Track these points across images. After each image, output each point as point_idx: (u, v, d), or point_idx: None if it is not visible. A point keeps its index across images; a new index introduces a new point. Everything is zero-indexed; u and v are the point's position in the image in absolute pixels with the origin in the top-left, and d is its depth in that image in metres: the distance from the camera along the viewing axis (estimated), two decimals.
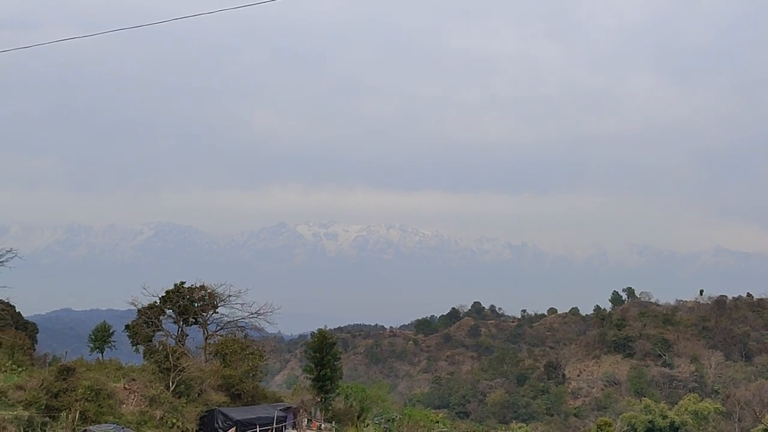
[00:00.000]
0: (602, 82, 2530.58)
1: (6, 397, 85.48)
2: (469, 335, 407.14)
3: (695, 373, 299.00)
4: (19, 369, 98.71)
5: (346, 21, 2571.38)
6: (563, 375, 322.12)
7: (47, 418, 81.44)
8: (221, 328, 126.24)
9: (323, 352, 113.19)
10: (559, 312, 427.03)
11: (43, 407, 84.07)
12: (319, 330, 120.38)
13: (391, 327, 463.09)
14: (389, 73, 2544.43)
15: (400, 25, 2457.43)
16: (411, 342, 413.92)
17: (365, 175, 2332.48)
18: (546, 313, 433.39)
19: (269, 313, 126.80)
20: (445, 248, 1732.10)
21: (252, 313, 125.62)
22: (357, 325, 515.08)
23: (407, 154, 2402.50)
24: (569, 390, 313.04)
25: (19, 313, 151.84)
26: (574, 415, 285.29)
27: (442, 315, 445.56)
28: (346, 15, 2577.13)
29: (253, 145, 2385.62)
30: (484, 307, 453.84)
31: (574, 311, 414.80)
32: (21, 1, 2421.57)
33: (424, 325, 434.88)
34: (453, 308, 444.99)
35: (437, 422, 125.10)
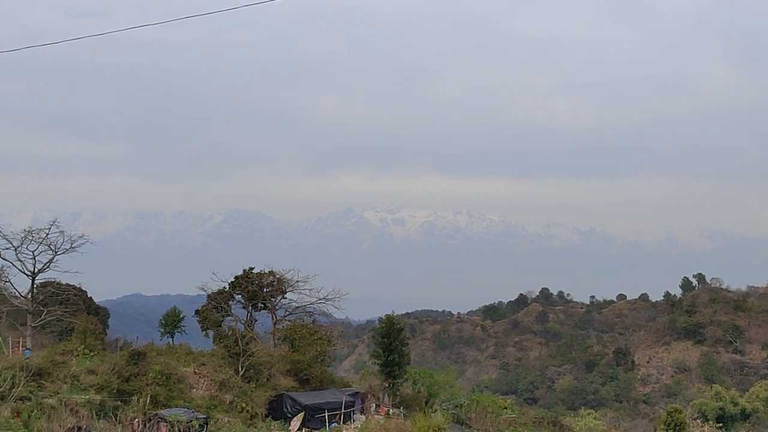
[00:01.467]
0: (671, 66, 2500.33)
1: (78, 382, 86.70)
2: (537, 321, 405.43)
3: (767, 360, 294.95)
4: (91, 353, 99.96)
5: (414, 7, 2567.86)
6: (632, 361, 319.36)
7: (119, 402, 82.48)
8: (290, 314, 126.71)
9: (391, 338, 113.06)
10: (628, 298, 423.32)
11: (114, 391, 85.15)
12: (387, 315, 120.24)
13: (458, 313, 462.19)
14: (456, 59, 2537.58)
15: (468, 10, 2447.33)
16: (479, 328, 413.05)
17: (432, 160, 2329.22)
18: (615, 299, 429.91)
19: (337, 299, 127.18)
20: (512, 234, 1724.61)
21: (320, 299, 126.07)
22: (424, 310, 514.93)
23: (474, 140, 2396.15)
24: (638, 376, 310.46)
25: (90, 298, 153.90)
26: (644, 401, 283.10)
27: (510, 301, 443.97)
28: (415, 1, 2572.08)
29: (321, 132, 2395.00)
30: (552, 293, 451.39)
31: (644, 297, 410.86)
32: None
33: (492, 311, 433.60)
34: (521, 294, 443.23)
35: (505, 408, 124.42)
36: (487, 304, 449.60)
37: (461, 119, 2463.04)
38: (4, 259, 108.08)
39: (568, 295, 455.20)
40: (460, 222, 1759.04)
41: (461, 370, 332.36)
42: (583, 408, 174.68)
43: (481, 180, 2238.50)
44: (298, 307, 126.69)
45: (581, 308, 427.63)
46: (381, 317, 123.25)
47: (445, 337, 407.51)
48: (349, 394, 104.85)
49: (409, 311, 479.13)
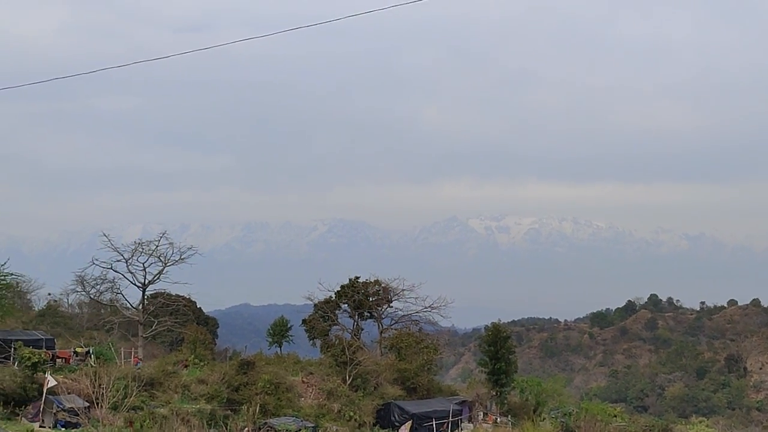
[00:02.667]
0: None
1: (189, 391, 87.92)
2: (646, 328, 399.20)
3: None
4: (201, 363, 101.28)
5: (516, 13, 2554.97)
6: (745, 368, 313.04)
7: (229, 411, 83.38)
8: (396, 322, 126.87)
9: (497, 346, 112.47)
10: (739, 303, 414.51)
11: (224, 400, 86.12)
12: (493, 323, 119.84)
13: (565, 320, 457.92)
14: (560, 63, 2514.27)
15: (571, 14, 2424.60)
16: (586, 335, 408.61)
17: (536, 167, 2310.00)
18: (726, 305, 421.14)
19: (443, 307, 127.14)
20: (619, 240, 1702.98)
21: (426, 307, 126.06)
22: (531, 318, 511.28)
23: (578, 146, 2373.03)
24: (751, 383, 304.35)
25: (200, 308, 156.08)
26: (757, 408, 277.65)
27: (618, 308, 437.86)
28: (516, 7, 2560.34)
29: (424, 140, 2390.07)
30: (660, 300, 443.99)
31: (756, 302, 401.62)
32: (199, 5, 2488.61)
33: (600, 318, 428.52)
34: (629, 301, 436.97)
35: (615, 416, 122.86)
36: (595, 311, 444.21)
37: (566, 124, 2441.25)
38: (115, 271, 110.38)
39: (678, 301, 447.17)
40: (566, 229, 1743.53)
41: (569, 378, 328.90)
42: (694, 416, 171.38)
43: (587, 186, 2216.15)
44: (404, 316, 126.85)
45: (691, 314, 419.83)
46: (487, 325, 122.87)
47: (552, 345, 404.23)
48: (456, 403, 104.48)
49: (516, 319, 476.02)
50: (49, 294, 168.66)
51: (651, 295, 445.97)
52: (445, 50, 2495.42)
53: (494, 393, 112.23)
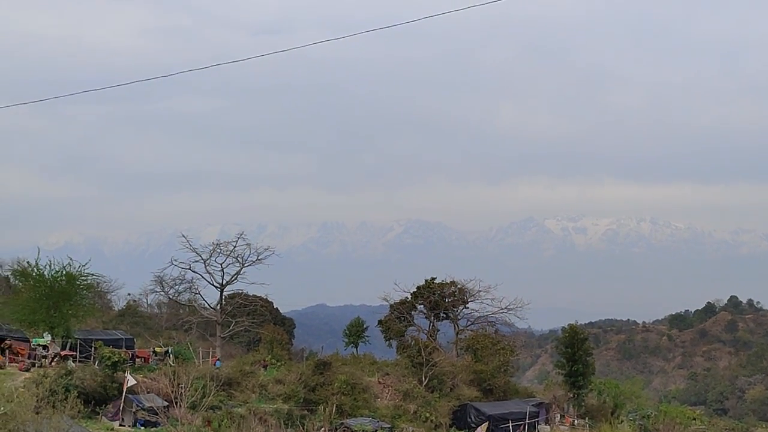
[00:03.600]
0: None
1: (266, 391, 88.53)
2: (726, 330, 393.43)
3: None
4: (278, 363, 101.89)
5: (592, 10, 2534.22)
6: None
7: (305, 412, 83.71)
8: (472, 324, 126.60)
9: (575, 348, 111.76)
10: None
11: (301, 400, 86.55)
12: (570, 325, 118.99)
13: (643, 322, 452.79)
14: (637, 61, 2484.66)
15: (649, 13, 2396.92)
16: (665, 337, 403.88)
17: (613, 167, 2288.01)
18: None
19: (519, 309, 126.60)
20: (698, 241, 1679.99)
21: (502, 309, 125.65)
22: (608, 320, 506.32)
23: (656, 145, 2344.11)
24: None
25: (276, 308, 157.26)
26: None
27: (697, 309, 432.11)
28: (592, 4, 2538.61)
29: (500, 140, 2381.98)
30: (741, 301, 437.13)
31: None
32: (275, 8, 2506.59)
33: (678, 320, 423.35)
34: (708, 302, 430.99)
35: (694, 419, 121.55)
36: (673, 313, 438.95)
37: (644, 124, 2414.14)
38: (194, 271, 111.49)
39: (758, 303, 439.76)
40: (644, 230, 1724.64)
41: (647, 380, 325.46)
42: None
43: (666, 186, 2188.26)
44: (480, 317, 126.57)
45: None
46: (564, 327, 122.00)
47: (630, 347, 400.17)
48: (533, 405, 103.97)
49: (593, 320, 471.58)
50: (129, 294, 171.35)
51: (731, 296, 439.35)
52: (520, 49, 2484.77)
53: (571, 395, 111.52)
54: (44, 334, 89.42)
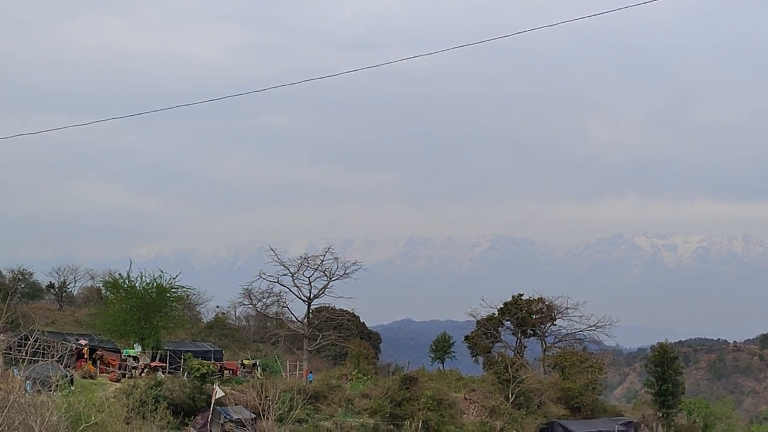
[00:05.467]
0: None
1: (353, 405, 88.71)
2: None
3: None
4: (365, 378, 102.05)
5: (685, 27, 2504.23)
6: None
7: (391, 426, 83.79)
8: (559, 341, 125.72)
9: (664, 367, 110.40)
10: None
11: (387, 415, 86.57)
12: (660, 344, 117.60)
13: (734, 341, 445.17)
14: (731, 78, 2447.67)
15: (744, 29, 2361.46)
16: (756, 357, 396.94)
17: (705, 184, 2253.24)
18: None
19: (607, 326, 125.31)
20: None
21: (590, 326, 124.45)
22: (698, 339, 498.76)
23: (749, 162, 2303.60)
24: None
25: (363, 323, 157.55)
26: None
27: None
28: (686, 20, 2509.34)
29: (589, 156, 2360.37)
30: None
31: None
32: (364, 23, 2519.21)
33: None
34: None
35: None
36: (765, 332, 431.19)
37: (736, 141, 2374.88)
38: (281, 285, 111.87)
39: None
40: (736, 248, 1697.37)
41: (738, 400, 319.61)
42: None
43: (758, 204, 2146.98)
44: (568, 334, 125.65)
45: None
46: (653, 345, 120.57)
47: (720, 367, 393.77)
48: (621, 424, 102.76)
49: (683, 339, 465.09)
50: (218, 306, 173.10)
51: None
52: (612, 65, 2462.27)
53: (660, 414, 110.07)
54: (135, 345, 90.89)
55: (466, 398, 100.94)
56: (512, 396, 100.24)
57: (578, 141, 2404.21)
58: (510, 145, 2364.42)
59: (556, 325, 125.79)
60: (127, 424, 57.56)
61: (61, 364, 77.21)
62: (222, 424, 76.84)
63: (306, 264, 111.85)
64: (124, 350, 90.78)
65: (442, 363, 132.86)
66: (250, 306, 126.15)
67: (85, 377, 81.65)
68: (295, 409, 70.91)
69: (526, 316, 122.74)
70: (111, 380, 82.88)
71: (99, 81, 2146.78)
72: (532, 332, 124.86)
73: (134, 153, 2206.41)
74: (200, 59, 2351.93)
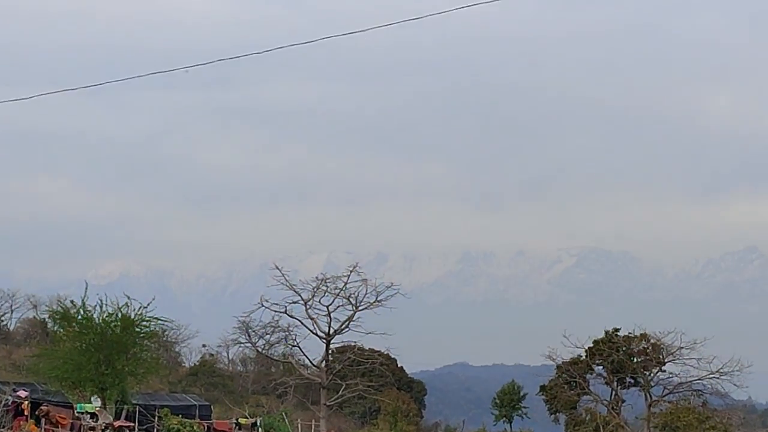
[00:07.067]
0: None
1: None
2: None
3: None
4: None
5: None
6: None
7: None
8: (670, 393, 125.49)
9: None
10: None
11: None
12: None
13: None
14: None
15: None
16: None
17: None
18: None
19: (737, 373, 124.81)
20: None
21: (713, 373, 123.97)
22: None
23: None
24: None
25: (401, 368, 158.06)
26: None
27: None
28: None
29: (710, 144, 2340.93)
30: None
31: None
32: None
33: None
34: None
35: None
36: None
37: None
38: (290, 316, 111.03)
39: None
40: None
41: None
42: None
43: None
44: (681, 384, 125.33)
45: None
46: None
47: None
48: None
49: None
50: (204, 346, 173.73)
51: None
52: (743, 20, 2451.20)
53: None
54: (92, 399, 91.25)
55: None
56: None
57: (697, 121, 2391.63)
58: (601, 127, 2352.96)
59: (665, 371, 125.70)
60: None
61: None
62: None
63: (324, 287, 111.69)
64: (78, 405, 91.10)
65: (510, 422, 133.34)
66: (248, 345, 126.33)
67: None
68: None
69: (624, 358, 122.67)
70: None
71: (46, 39, 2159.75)
72: (632, 381, 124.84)
73: (93, 137, 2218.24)
74: (185, 11, 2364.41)
